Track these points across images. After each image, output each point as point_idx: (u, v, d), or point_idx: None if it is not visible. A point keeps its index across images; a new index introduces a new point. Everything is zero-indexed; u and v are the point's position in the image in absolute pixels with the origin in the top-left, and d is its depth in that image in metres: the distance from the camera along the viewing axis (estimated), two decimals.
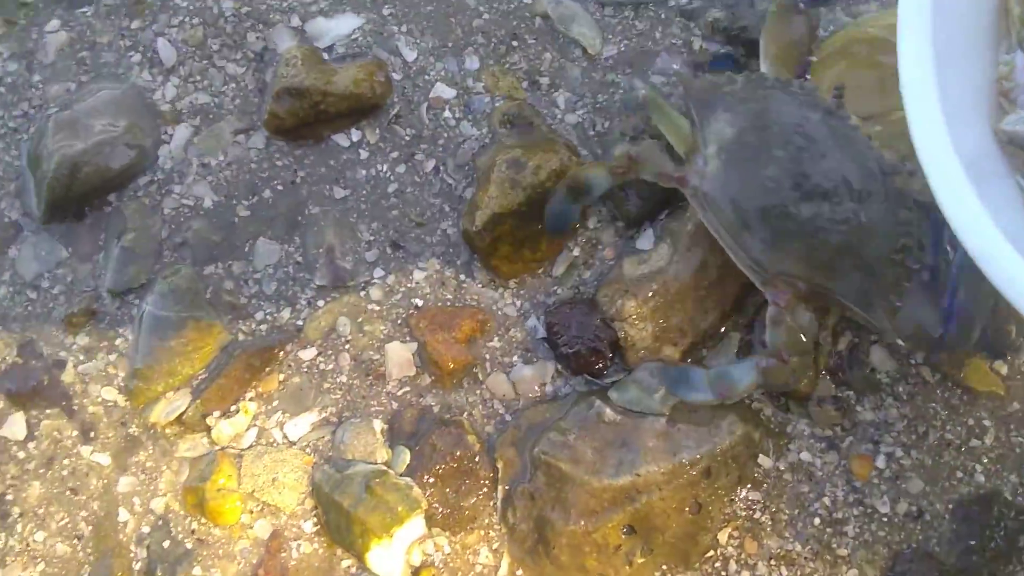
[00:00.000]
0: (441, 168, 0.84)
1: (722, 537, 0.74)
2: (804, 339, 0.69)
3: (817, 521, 0.75)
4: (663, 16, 0.89)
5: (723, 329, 0.80)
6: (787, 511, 0.73)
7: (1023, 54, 0.65)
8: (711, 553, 0.74)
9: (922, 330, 0.64)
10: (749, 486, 0.74)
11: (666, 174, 0.72)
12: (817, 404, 0.77)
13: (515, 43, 0.88)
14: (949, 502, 0.73)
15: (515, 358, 0.78)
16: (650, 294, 0.77)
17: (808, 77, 0.71)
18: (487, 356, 0.79)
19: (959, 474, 0.75)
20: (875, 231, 0.62)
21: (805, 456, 0.75)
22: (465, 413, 0.77)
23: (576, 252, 0.82)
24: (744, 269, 0.70)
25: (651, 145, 0.76)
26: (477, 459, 0.74)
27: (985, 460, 0.75)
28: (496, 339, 0.78)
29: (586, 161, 0.81)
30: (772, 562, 0.74)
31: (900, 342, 0.69)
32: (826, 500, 0.74)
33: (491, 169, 0.78)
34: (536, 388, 0.78)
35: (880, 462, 0.76)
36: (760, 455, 0.75)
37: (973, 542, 0.72)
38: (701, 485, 0.71)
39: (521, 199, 0.77)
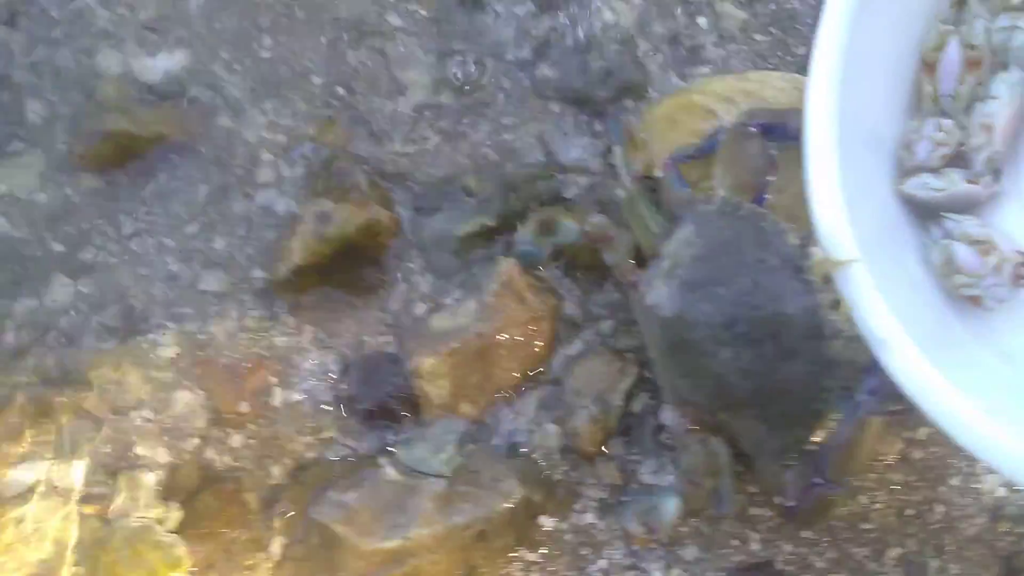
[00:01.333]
0: (252, 212, 0.84)
1: None
2: (710, 463, 0.70)
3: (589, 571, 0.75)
4: (499, 68, 0.89)
5: (529, 385, 0.83)
6: (564, 573, 0.75)
7: (931, 120, 0.70)
8: None
9: (777, 491, 0.65)
10: (527, 548, 0.75)
11: (625, 271, 0.73)
12: (604, 464, 0.78)
13: (344, 90, 0.87)
14: (721, 570, 0.75)
15: (312, 410, 0.78)
16: (450, 351, 0.78)
17: (767, 197, 0.70)
18: (281, 409, 0.80)
19: (734, 542, 0.76)
20: (789, 390, 0.61)
21: (589, 518, 0.77)
22: (248, 468, 0.76)
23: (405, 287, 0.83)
24: (660, 382, 0.72)
25: (625, 236, 0.75)
26: (253, 517, 0.74)
27: (762, 528, 0.77)
28: (293, 391, 0.78)
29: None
30: None
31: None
32: (603, 563, 0.76)
33: (300, 220, 0.79)
34: (328, 443, 0.79)
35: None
36: (542, 517, 0.75)
37: None
38: (475, 548, 0.73)
39: (326, 251, 0.78)
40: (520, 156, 0.86)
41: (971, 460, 0.76)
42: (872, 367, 0.63)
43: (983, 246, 0.66)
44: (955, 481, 0.78)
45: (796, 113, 0.66)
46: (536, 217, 0.78)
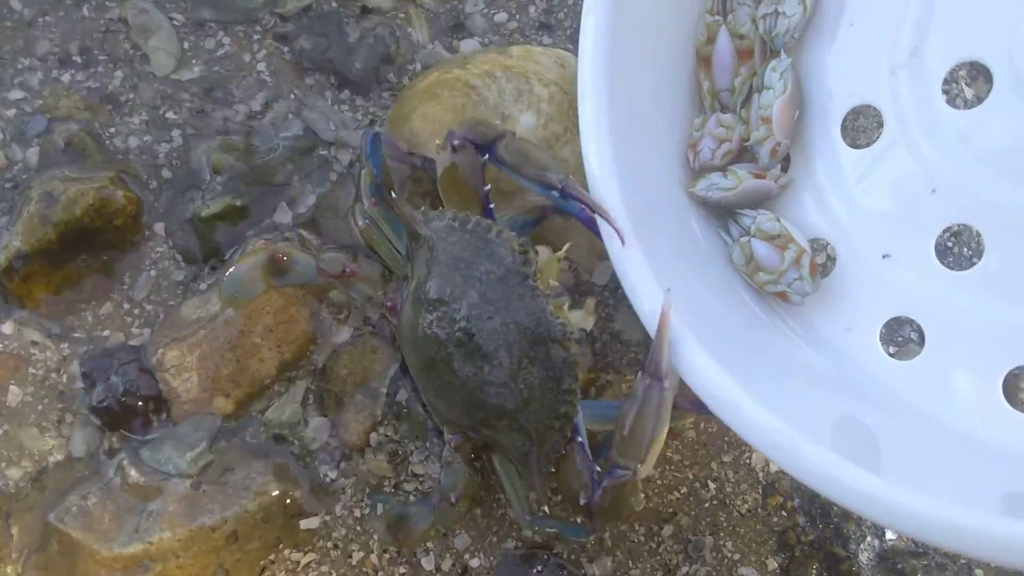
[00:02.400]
0: None
1: None
2: (469, 486, 0.69)
3: (359, 571, 0.73)
4: (254, 37, 0.84)
5: (291, 376, 0.78)
6: (333, 571, 0.70)
7: (712, 116, 0.69)
8: None
9: (572, 495, 0.63)
10: (293, 547, 0.70)
11: (377, 300, 0.70)
12: (373, 454, 0.74)
13: (83, 58, 0.80)
14: (494, 556, 0.72)
15: (51, 410, 0.71)
16: (196, 341, 0.72)
17: (492, 205, 0.69)
18: (18, 407, 0.74)
19: (509, 529, 0.73)
20: (533, 397, 0.61)
21: (358, 513, 0.72)
22: None
23: (152, 274, 0.77)
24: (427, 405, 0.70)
25: (370, 264, 0.72)
26: None
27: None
28: (31, 388, 0.72)
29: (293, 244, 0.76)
30: None
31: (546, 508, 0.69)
32: (373, 558, 0.71)
33: (26, 202, 0.71)
34: (69, 445, 0.74)
35: None
36: (305, 515, 0.71)
37: None
38: (227, 550, 0.68)
39: (52, 236, 0.71)
40: (277, 132, 0.81)
41: (739, 443, 0.75)
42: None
43: (779, 240, 0.66)
44: (727, 458, 0.78)
45: (505, 133, 0.67)
46: (265, 253, 0.69)
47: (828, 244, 0.68)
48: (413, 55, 0.84)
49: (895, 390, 0.64)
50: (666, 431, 0.59)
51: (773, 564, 0.73)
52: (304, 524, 0.72)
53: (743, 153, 0.70)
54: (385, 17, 0.83)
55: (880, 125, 0.66)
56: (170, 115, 0.78)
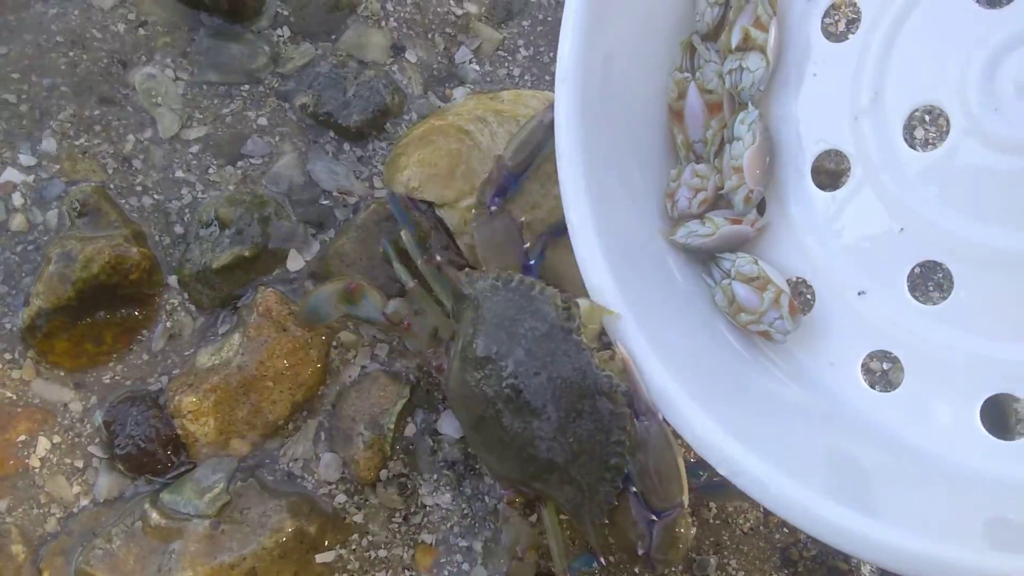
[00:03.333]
0: (7, 257, 0.81)
1: None
2: (530, 536, 0.72)
3: None
4: (257, 96, 0.89)
5: (303, 415, 0.82)
6: None
7: (688, 167, 0.73)
8: None
9: (629, 543, 0.64)
10: None
11: (427, 357, 0.74)
12: (384, 488, 0.77)
13: (97, 125, 0.85)
14: None
15: (77, 458, 0.75)
16: (211, 387, 0.76)
17: (532, 262, 0.73)
18: (47, 457, 0.78)
19: None
20: (583, 450, 0.62)
21: (372, 545, 0.76)
22: (15, 519, 0.74)
23: (168, 324, 0.81)
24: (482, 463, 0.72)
25: (422, 322, 0.76)
26: (22, 570, 0.71)
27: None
28: (57, 438, 0.76)
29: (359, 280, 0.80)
30: None
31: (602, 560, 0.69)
32: None
33: (46, 263, 0.76)
34: (94, 491, 0.77)
35: (442, 551, 0.78)
36: (322, 549, 0.74)
37: None
38: None
39: (71, 294, 0.76)
40: (279, 183, 0.86)
41: None
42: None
43: (758, 282, 0.69)
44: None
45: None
46: (343, 282, 0.77)
47: (806, 283, 0.70)
48: (408, 106, 0.88)
49: (879, 423, 0.66)
50: (681, 458, 0.62)
51: None
52: (320, 558, 0.75)
53: (719, 200, 0.73)
54: (380, 70, 0.88)
55: (848, 168, 0.69)
56: (179, 173, 0.83)
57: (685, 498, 0.60)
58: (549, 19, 0.91)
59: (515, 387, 0.63)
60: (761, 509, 0.76)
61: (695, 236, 0.70)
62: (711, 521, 0.76)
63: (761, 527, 0.75)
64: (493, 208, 0.70)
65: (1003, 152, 0.62)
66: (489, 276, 0.67)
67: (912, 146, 0.67)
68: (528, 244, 0.70)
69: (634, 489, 0.63)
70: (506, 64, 0.90)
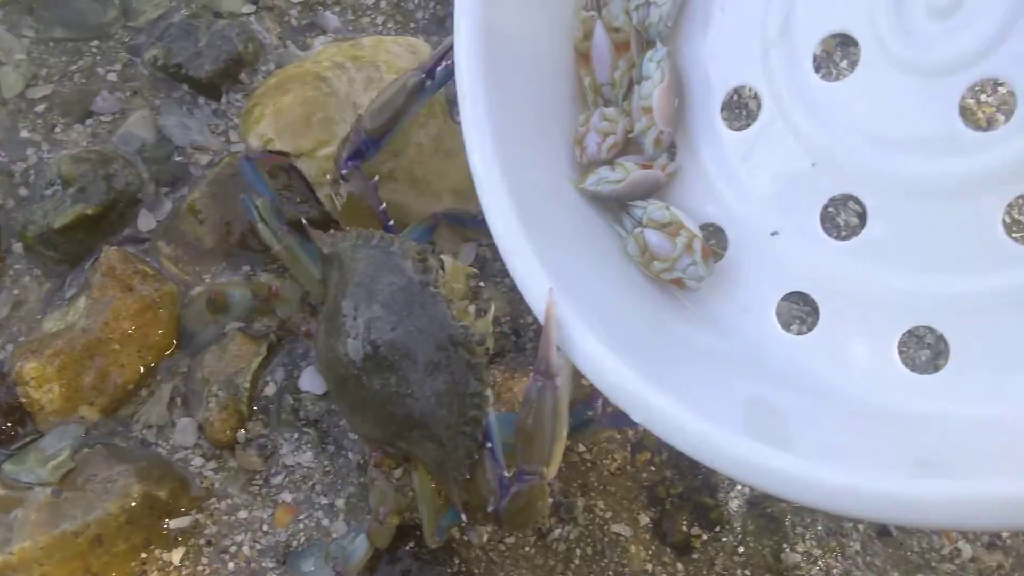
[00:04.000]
0: None
1: None
2: (394, 501, 0.70)
3: (232, 566, 0.75)
4: (107, 51, 0.87)
5: (156, 379, 0.80)
6: (207, 568, 0.71)
7: (596, 111, 0.70)
8: None
9: (482, 502, 0.62)
10: (163, 547, 0.71)
11: (298, 323, 0.73)
12: (242, 449, 0.75)
13: None
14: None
15: None
16: (54, 352, 0.73)
17: (392, 222, 0.72)
18: None
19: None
20: (442, 403, 0.61)
21: (229, 508, 0.73)
22: None
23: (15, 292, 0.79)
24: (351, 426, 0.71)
25: (292, 286, 0.75)
26: None
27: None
28: None
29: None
30: None
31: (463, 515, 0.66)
32: (245, 549, 0.72)
33: None
34: None
35: (303, 509, 0.76)
36: (174, 515, 0.72)
37: None
38: (93, 554, 0.69)
39: None
40: (130, 140, 0.83)
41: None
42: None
43: (670, 228, 0.67)
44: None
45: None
46: (201, 297, 0.78)
47: (720, 229, 0.68)
48: (266, 56, 0.86)
49: (796, 366, 0.64)
50: (567, 430, 0.59)
51: (645, 519, 0.74)
52: (174, 524, 0.72)
53: (629, 145, 0.71)
54: (235, 20, 0.85)
55: (759, 105, 0.67)
56: (24, 134, 0.80)
57: (549, 471, 0.57)
58: None
59: (373, 343, 0.62)
60: (628, 449, 0.75)
61: (605, 183, 0.68)
62: (579, 464, 0.74)
63: (628, 467, 0.74)
64: (345, 171, 0.69)
65: (914, 75, 0.60)
66: (350, 236, 0.66)
67: (822, 77, 0.65)
68: (385, 205, 0.69)
69: (490, 445, 0.62)
70: (369, 12, 0.88)
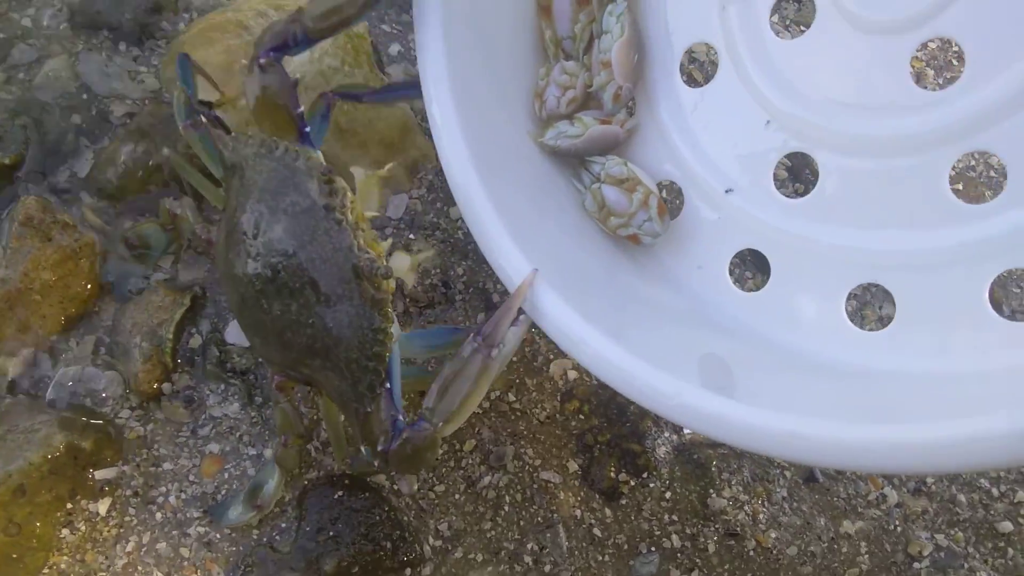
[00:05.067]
0: None
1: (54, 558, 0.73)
2: (295, 424, 0.70)
3: (159, 517, 0.75)
4: None
5: (79, 330, 0.80)
6: (135, 518, 0.72)
7: (557, 64, 0.71)
8: (46, 571, 0.72)
9: (373, 440, 0.61)
10: (89, 498, 0.72)
11: (199, 235, 0.70)
12: (168, 401, 0.75)
13: None
14: (298, 489, 0.74)
15: None
16: None
17: (308, 130, 0.65)
18: None
19: (306, 464, 0.75)
20: (344, 336, 0.59)
21: (163, 464, 0.74)
22: None
23: None
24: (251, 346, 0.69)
25: (189, 203, 0.74)
26: None
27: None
28: None
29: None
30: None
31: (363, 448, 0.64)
32: (172, 499, 0.73)
33: None
34: None
35: (230, 459, 0.77)
36: (100, 466, 0.72)
37: (309, 528, 0.73)
38: (16, 504, 0.69)
39: None
40: (48, 88, 0.82)
41: (536, 351, 0.76)
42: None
43: (627, 184, 0.68)
44: (521, 370, 0.81)
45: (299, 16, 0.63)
46: (121, 239, 0.78)
47: (676, 186, 0.69)
48: (188, 3, 0.85)
49: (747, 322, 0.66)
50: (480, 398, 0.59)
51: (573, 466, 0.76)
52: (99, 475, 0.73)
53: (589, 100, 0.72)
54: None
55: (716, 62, 0.68)
56: None
57: (446, 428, 0.58)
58: None
59: (273, 266, 0.60)
60: (558, 399, 0.77)
61: (564, 137, 0.69)
62: (508, 413, 0.76)
63: (557, 415, 0.76)
64: (263, 61, 0.62)
65: (867, 33, 0.62)
66: (254, 141, 0.62)
67: (779, 35, 0.66)
68: (303, 108, 0.64)
69: (388, 385, 0.61)
70: None
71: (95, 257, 0.77)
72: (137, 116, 0.80)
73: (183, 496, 0.73)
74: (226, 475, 0.74)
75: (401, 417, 0.59)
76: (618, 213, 0.67)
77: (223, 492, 0.73)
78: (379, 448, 0.59)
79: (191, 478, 0.74)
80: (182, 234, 0.76)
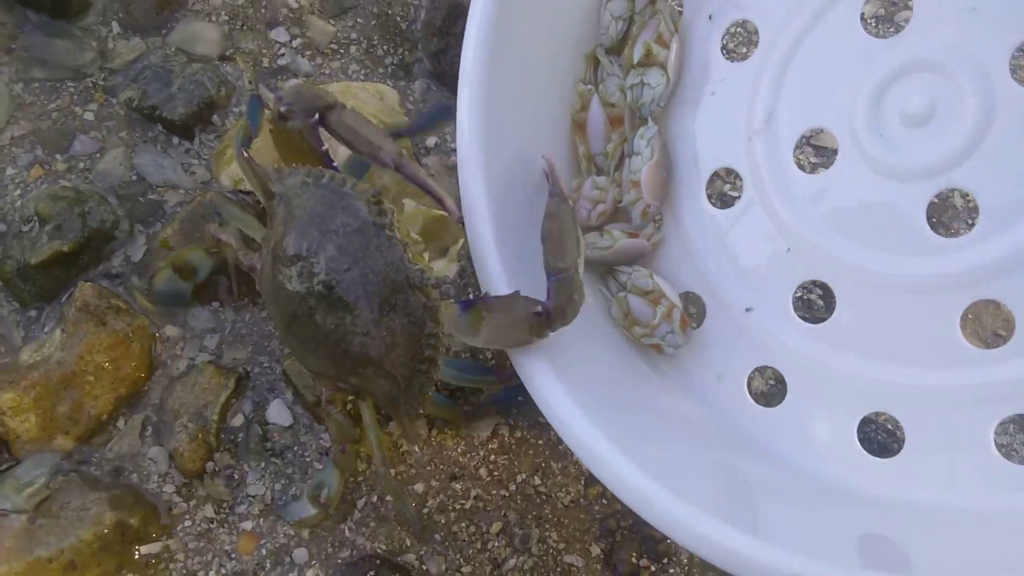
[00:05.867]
0: None
1: None
2: (349, 431, 0.75)
3: None
4: (83, 91, 0.92)
5: (129, 410, 0.85)
6: None
7: (588, 179, 0.75)
8: None
9: (457, 417, 0.73)
10: (135, 574, 0.76)
11: (242, 261, 0.75)
12: (211, 479, 0.80)
13: None
14: (331, 567, 0.79)
15: None
16: (31, 383, 0.78)
17: (336, 163, 0.73)
18: None
19: (344, 540, 0.80)
20: (397, 343, 0.64)
21: (202, 540, 0.78)
22: None
23: None
24: (299, 361, 0.74)
25: (231, 229, 0.78)
26: None
27: (365, 528, 0.81)
28: None
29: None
30: None
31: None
32: (212, 574, 0.77)
33: None
34: None
35: (266, 537, 0.80)
36: (145, 541, 0.77)
37: None
38: None
39: None
40: (106, 178, 0.88)
41: (559, 439, 0.81)
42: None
43: (652, 296, 0.72)
44: (547, 453, 0.85)
45: (335, 104, 0.69)
46: (168, 264, 0.83)
47: (699, 297, 0.73)
48: (238, 98, 0.91)
49: (763, 438, 0.69)
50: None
51: (596, 550, 0.80)
52: (145, 550, 0.77)
53: (618, 212, 0.76)
54: (209, 64, 0.91)
55: (741, 188, 0.72)
56: (9, 170, 0.85)
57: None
58: (382, 13, 0.94)
59: (327, 283, 0.64)
60: (581, 483, 0.81)
61: (594, 248, 0.74)
62: (534, 496, 0.80)
63: (581, 499, 0.80)
64: (283, 109, 0.67)
65: (886, 178, 0.66)
66: (299, 172, 0.67)
67: (802, 168, 0.70)
68: (327, 146, 0.69)
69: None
70: (339, 57, 0.93)
71: (146, 340, 0.81)
72: (188, 206, 0.85)
73: (223, 571, 0.77)
74: (264, 551, 0.78)
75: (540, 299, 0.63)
76: (642, 323, 0.71)
77: (263, 567, 0.77)
78: (538, 311, 0.62)
79: (231, 554, 0.78)
80: (227, 259, 0.81)
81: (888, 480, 0.62)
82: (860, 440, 0.64)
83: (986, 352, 0.60)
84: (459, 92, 0.67)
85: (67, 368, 0.80)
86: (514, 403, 0.81)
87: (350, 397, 0.76)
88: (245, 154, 0.72)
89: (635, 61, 0.74)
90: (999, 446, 0.58)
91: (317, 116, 0.69)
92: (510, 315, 0.65)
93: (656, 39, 0.73)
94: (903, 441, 0.62)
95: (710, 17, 0.72)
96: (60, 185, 0.84)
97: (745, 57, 0.73)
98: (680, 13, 0.76)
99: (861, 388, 0.65)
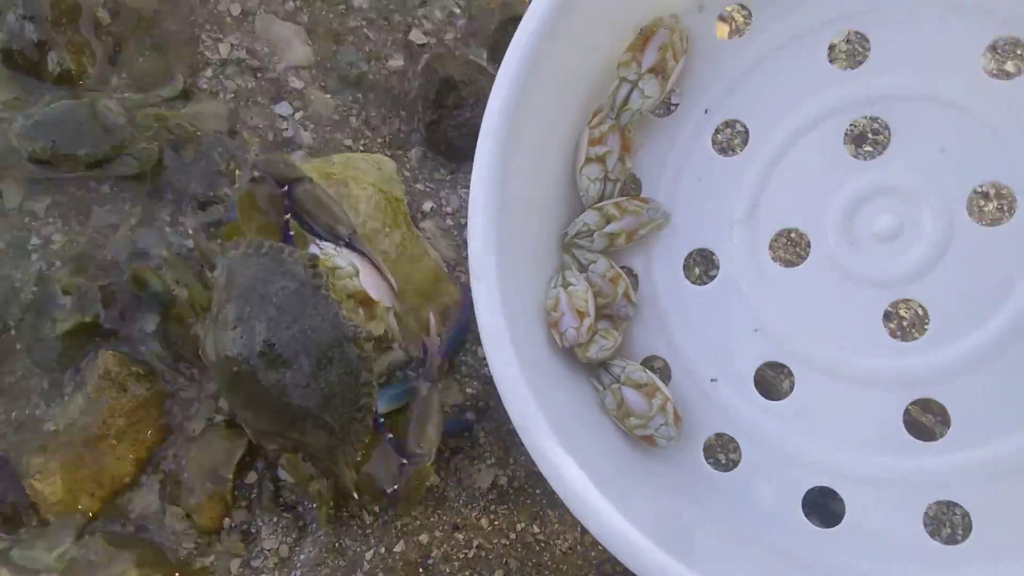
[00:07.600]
0: None
1: None
2: (304, 471, 0.82)
3: None
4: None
5: (149, 470, 0.91)
6: None
7: (562, 290, 0.79)
8: None
9: (374, 485, 0.76)
10: None
11: (190, 327, 0.82)
12: (228, 535, 0.87)
13: None
14: None
15: None
16: (56, 447, 0.85)
17: (292, 233, 0.79)
18: None
19: None
20: (335, 394, 0.71)
21: None
22: None
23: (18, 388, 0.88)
24: (243, 426, 0.81)
25: (183, 293, 0.85)
26: None
27: None
28: None
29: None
30: None
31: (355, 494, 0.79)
32: None
33: None
34: None
35: None
36: None
37: None
38: None
39: None
40: (122, 249, 0.95)
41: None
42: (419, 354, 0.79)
43: (646, 388, 0.77)
44: (544, 502, 0.90)
45: (303, 179, 0.81)
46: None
47: (666, 363, 0.80)
48: (245, 171, 0.99)
49: (717, 497, 0.76)
50: (440, 426, 0.75)
51: None
52: None
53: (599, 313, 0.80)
54: (217, 138, 0.99)
55: (717, 265, 0.79)
56: (35, 240, 0.92)
57: (433, 451, 0.74)
58: (383, 87, 1.02)
59: (268, 342, 0.70)
60: (578, 529, 0.87)
61: (603, 350, 0.78)
62: (533, 544, 0.86)
63: (578, 546, 0.86)
64: (256, 174, 0.78)
65: (851, 281, 0.74)
66: (241, 245, 0.74)
67: (775, 260, 0.78)
68: (288, 216, 0.78)
69: (390, 436, 0.75)
70: (340, 130, 1.01)
71: (165, 404, 0.88)
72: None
73: None
74: None
75: (404, 462, 0.74)
76: (638, 415, 0.76)
77: None
78: (388, 491, 0.75)
79: None
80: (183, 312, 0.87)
81: (834, 550, 0.70)
82: (804, 511, 0.72)
83: (925, 444, 0.68)
84: (469, 217, 0.72)
85: (91, 432, 0.86)
86: (465, 426, 0.89)
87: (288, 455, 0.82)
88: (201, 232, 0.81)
89: (646, 67, 0.77)
90: (926, 524, 0.67)
91: (286, 187, 0.79)
92: (384, 462, 0.77)
93: (667, 47, 0.77)
94: (843, 517, 0.70)
95: (706, 111, 0.79)
96: (80, 257, 0.90)
97: (735, 152, 0.79)
98: (675, 104, 0.81)
99: (808, 463, 0.73)
